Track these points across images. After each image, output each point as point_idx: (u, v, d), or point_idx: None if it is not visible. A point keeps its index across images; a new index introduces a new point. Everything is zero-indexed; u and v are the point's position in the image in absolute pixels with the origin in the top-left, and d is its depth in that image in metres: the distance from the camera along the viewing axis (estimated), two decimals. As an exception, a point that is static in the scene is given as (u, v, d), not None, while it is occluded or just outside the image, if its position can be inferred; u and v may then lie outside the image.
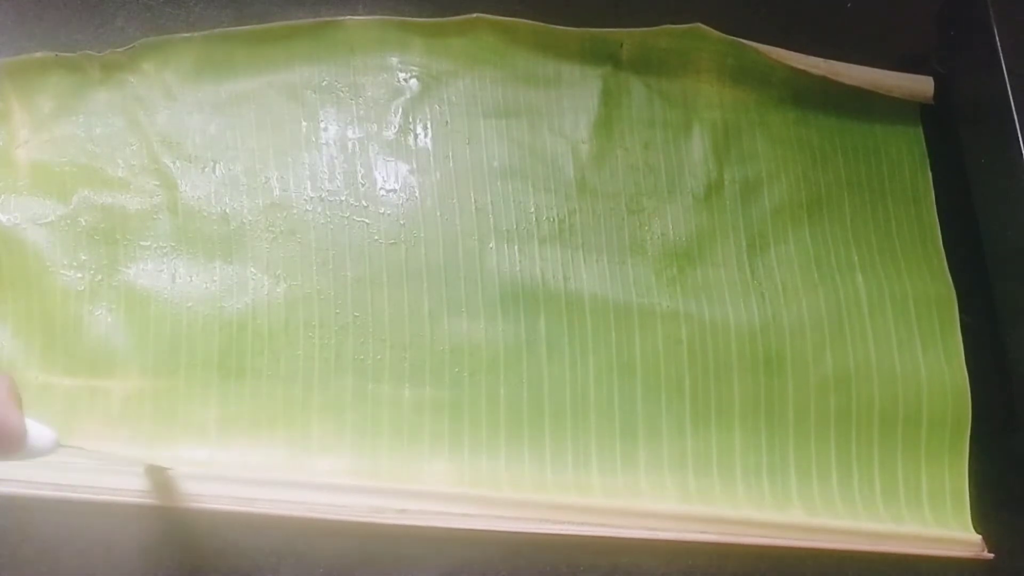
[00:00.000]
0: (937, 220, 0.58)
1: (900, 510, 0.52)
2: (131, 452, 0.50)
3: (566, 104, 0.57)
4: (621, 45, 0.58)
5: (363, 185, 0.55)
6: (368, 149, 0.55)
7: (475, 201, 0.55)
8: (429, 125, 0.56)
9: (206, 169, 0.55)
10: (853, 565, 0.50)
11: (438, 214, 0.54)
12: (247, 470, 0.49)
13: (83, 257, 0.53)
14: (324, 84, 0.56)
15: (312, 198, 0.54)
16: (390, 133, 0.56)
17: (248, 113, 0.55)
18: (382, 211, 0.54)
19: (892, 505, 0.52)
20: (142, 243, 0.53)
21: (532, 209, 0.55)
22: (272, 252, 0.54)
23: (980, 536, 0.51)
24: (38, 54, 0.55)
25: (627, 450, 0.52)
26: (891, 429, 0.53)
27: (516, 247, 0.54)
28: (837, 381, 0.53)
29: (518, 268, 0.54)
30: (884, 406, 0.53)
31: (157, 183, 0.54)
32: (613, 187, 0.56)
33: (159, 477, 0.49)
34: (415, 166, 0.55)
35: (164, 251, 0.53)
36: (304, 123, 0.55)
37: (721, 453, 0.52)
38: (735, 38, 0.57)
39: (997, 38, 0.54)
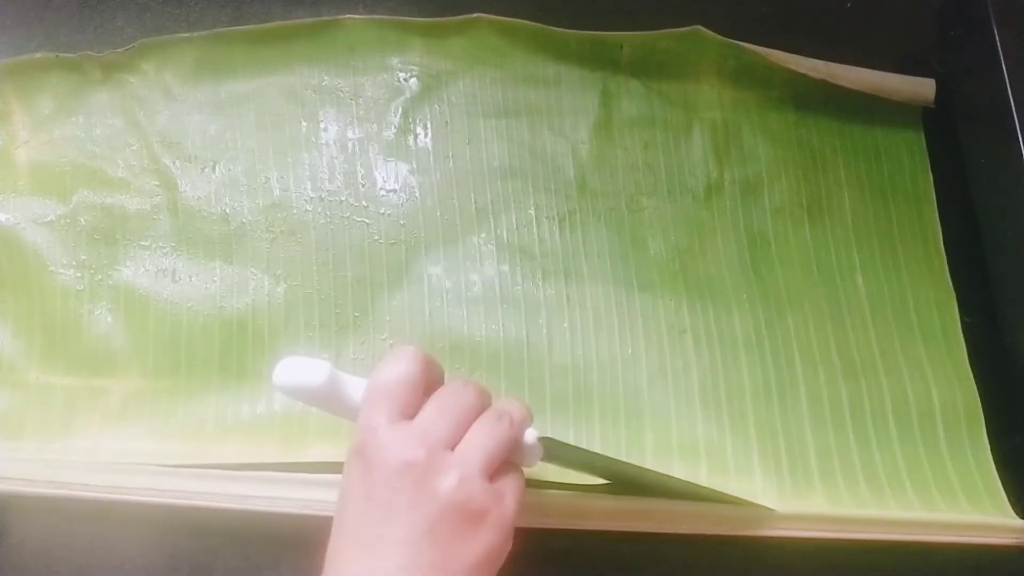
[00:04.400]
0: (938, 221, 0.58)
1: (932, 496, 0.50)
2: (130, 452, 0.50)
3: (566, 104, 0.57)
4: (621, 47, 0.58)
5: (363, 185, 0.55)
6: (368, 149, 0.55)
7: (475, 201, 0.55)
8: (429, 125, 0.56)
9: (206, 169, 0.55)
10: (883, 556, 0.49)
11: (438, 214, 0.54)
12: (246, 470, 0.49)
13: (83, 257, 0.53)
14: (324, 84, 0.56)
15: (312, 198, 0.54)
16: (390, 133, 0.56)
17: (248, 113, 0.55)
18: (382, 211, 0.54)
19: (922, 492, 0.50)
20: (142, 243, 0.53)
21: (532, 209, 0.55)
22: (272, 252, 0.54)
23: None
24: (38, 54, 0.55)
25: (632, 444, 0.51)
26: (906, 422, 0.52)
27: (516, 247, 0.54)
28: (845, 376, 0.53)
29: (518, 268, 0.54)
30: (895, 403, 0.52)
31: (157, 183, 0.54)
32: (613, 187, 0.56)
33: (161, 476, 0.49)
34: (415, 166, 0.55)
35: (164, 251, 0.53)
36: (304, 123, 0.56)
37: (736, 439, 0.51)
38: (735, 41, 0.57)
39: (997, 38, 0.54)
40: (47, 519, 0.49)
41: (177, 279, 0.53)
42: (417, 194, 0.55)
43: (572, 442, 0.51)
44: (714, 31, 0.57)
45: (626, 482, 0.47)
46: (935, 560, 0.49)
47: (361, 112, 0.56)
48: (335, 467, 0.49)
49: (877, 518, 0.49)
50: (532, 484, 0.49)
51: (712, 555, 0.49)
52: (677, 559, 0.50)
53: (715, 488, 0.47)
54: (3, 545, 0.49)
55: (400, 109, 0.56)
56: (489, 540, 0.37)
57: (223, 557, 0.49)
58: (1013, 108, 0.52)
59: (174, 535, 0.49)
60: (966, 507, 0.50)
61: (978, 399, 0.53)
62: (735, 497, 0.47)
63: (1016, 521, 0.50)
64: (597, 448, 0.50)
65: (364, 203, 0.54)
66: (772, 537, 0.48)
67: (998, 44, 0.53)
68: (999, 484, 0.51)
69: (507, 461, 0.39)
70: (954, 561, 0.49)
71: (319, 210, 0.54)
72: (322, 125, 0.55)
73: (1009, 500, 0.51)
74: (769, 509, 0.48)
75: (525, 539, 0.47)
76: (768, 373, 0.53)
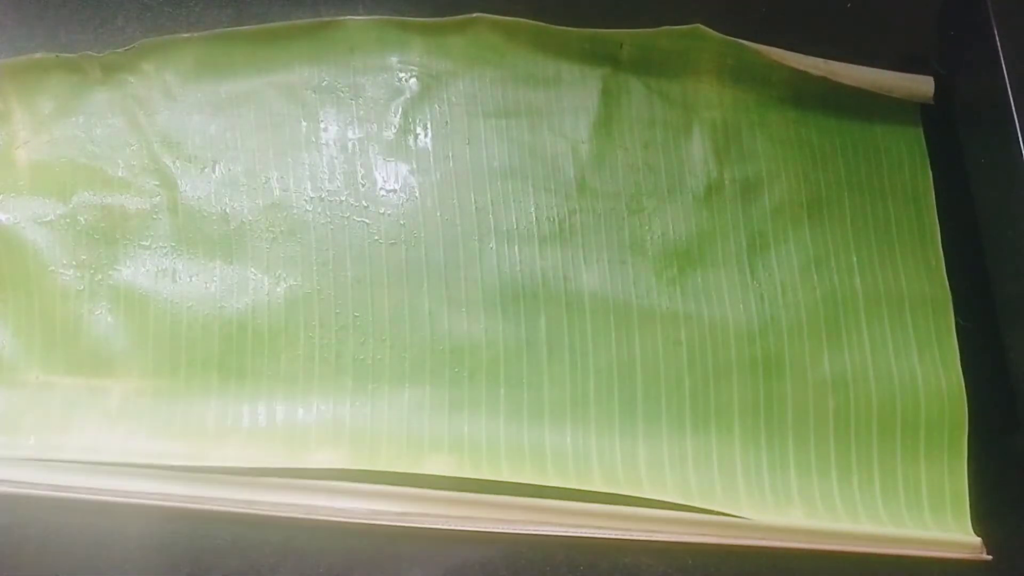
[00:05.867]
0: (937, 220, 0.57)
1: (900, 513, 0.52)
2: (130, 451, 0.50)
3: (566, 104, 0.57)
4: (621, 45, 0.57)
5: (363, 185, 0.55)
6: (368, 149, 0.55)
7: (475, 201, 0.55)
8: (429, 125, 0.56)
9: (206, 169, 0.55)
10: (853, 566, 0.50)
11: (438, 214, 0.54)
12: (246, 470, 0.49)
13: (83, 257, 0.53)
14: (324, 84, 0.56)
15: (312, 198, 0.54)
16: (390, 133, 0.56)
17: (248, 113, 0.55)
18: (382, 211, 0.54)
19: (892, 508, 0.52)
20: (142, 243, 0.53)
21: (532, 209, 0.55)
22: (272, 252, 0.54)
23: (980, 539, 0.51)
24: (38, 54, 0.55)
25: (626, 448, 0.52)
26: (889, 433, 0.53)
27: (516, 247, 0.54)
28: (835, 384, 0.53)
29: (518, 268, 0.54)
30: (882, 410, 0.53)
31: (157, 183, 0.54)
32: (613, 187, 0.56)
33: (161, 478, 0.49)
34: (415, 166, 0.55)
35: (164, 251, 0.53)
36: (304, 123, 0.55)
37: (721, 454, 0.52)
38: (735, 39, 0.57)
39: (997, 38, 0.53)
40: (47, 519, 0.50)
41: (177, 279, 0.53)
42: (417, 194, 0.55)
43: (570, 451, 0.51)
44: (714, 29, 0.57)
45: None
46: (896, 570, 0.51)
47: (361, 112, 0.56)
48: (338, 473, 0.49)
49: (842, 531, 0.50)
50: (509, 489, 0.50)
51: (685, 565, 0.51)
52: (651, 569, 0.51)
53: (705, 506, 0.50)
54: (3, 545, 0.49)
55: (400, 109, 0.56)
56: None
57: (224, 559, 0.49)
58: (1013, 108, 0.52)
59: (175, 537, 0.49)
60: (929, 523, 0.51)
61: (966, 408, 0.53)
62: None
63: (972, 538, 0.51)
64: (594, 457, 0.51)
65: (364, 203, 0.54)
66: (746, 546, 0.50)
67: (998, 44, 0.53)
68: (966, 499, 0.52)
69: None
70: (912, 572, 0.51)
71: (319, 210, 0.54)
72: (322, 125, 0.55)
73: (979, 510, 0.52)
74: (746, 519, 0.50)
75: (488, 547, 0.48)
76: (758, 388, 0.53)
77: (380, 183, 0.55)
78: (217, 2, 0.59)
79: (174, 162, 0.54)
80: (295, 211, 0.54)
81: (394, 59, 0.57)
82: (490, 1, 0.57)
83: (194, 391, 0.52)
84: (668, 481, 0.51)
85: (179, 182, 0.54)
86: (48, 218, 0.54)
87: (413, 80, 0.56)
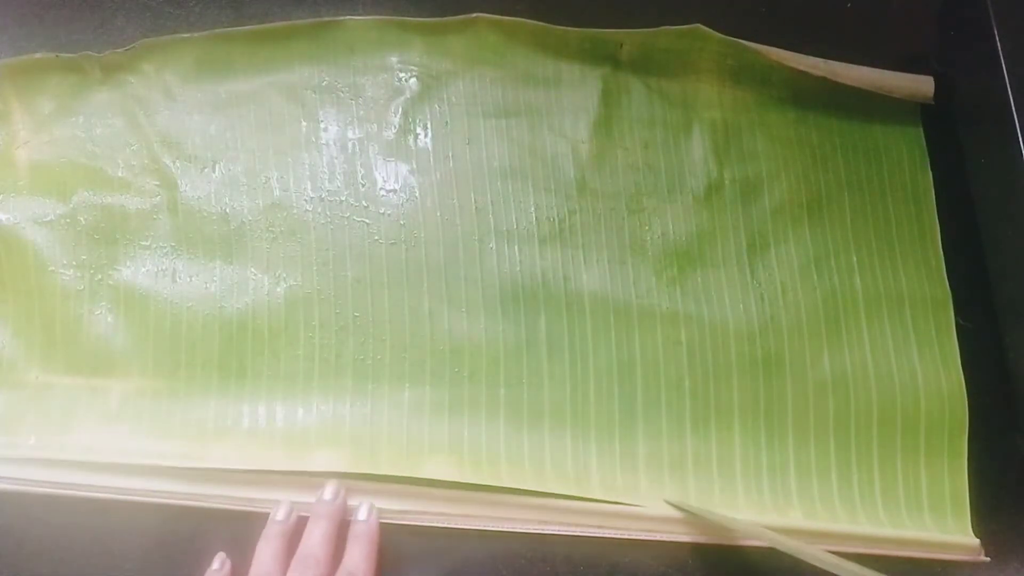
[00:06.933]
0: (937, 220, 0.57)
1: (900, 514, 0.52)
2: (129, 451, 0.50)
3: (566, 104, 0.57)
4: (621, 45, 0.57)
5: (363, 185, 0.55)
6: (368, 149, 0.55)
7: (475, 201, 0.55)
8: (429, 125, 0.56)
9: (206, 169, 0.55)
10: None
11: (438, 214, 0.54)
12: (246, 470, 0.49)
13: (83, 257, 0.53)
14: (324, 84, 0.56)
15: (312, 198, 0.54)
16: (390, 133, 0.56)
17: (248, 113, 0.55)
18: (382, 211, 0.54)
19: (892, 509, 0.52)
20: (142, 243, 0.53)
21: (532, 209, 0.55)
22: (272, 252, 0.54)
23: (978, 540, 0.51)
24: (38, 54, 0.55)
25: (626, 450, 0.52)
26: (890, 433, 0.53)
27: (516, 247, 0.54)
28: (835, 384, 0.53)
29: (518, 268, 0.54)
30: (882, 410, 0.53)
31: (157, 183, 0.54)
32: (613, 187, 0.56)
33: (161, 477, 0.49)
34: (415, 166, 0.55)
35: (164, 251, 0.53)
36: (304, 123, 0.55)
37: (721, 454, 0.52)
38: (735, 39, 0.57)
39: (997, 38, 0.53)
40: (47, 519, 0.50)
41: (177, 279, 0.53)
42: (417, 194, 0.55)
43: (570, 454, 0.51)
44: (714, 29, 0.57)
45: None
46: (896, 571, 0.51)
47: (361, 112, 0.56)
48: (338, 472, 0.49)
49: (841, 532, 0.51)
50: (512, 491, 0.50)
51: (685, 565, 0.51)
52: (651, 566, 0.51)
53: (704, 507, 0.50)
54: (3, 544, 0.49)
55: (400, 109, 0.56)
56: None
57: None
58: (1013, 108, 0.52)
59: (175, 537, 0.49)
60: (929, 524, 0.52)
61: (966, 408, 0.53)
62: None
63: (971, 540, 0.51)
64: (593, 461, 0.51)
65: (364, 203, 0.54)
66: (746, 546, 0.50)
67: (998, 44, 0.53)
68: (967, 499, 0.52)
69: None
70: (911, 572, 0.51)
71: (319, 210, 0.54)
72: (322, 125, 0.55)
73: (979, 510, 0.52)
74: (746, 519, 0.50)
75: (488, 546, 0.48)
76: (757, 388, 0.53)
77: (380, 183, 0.55)
78: (217, 2, 0.59)
79: (174, 162, 0.54)
80: (295, 211, 0.54)
81: (394, 59, 0.57)
82: (490, 1, 0.57)
83: (194, 391, 0.52)
84: (667, 482, 0.51)
85: (179, 182, 0.54)
86: (48, 218, 0.54)
87: (413, 80, 0.56)
